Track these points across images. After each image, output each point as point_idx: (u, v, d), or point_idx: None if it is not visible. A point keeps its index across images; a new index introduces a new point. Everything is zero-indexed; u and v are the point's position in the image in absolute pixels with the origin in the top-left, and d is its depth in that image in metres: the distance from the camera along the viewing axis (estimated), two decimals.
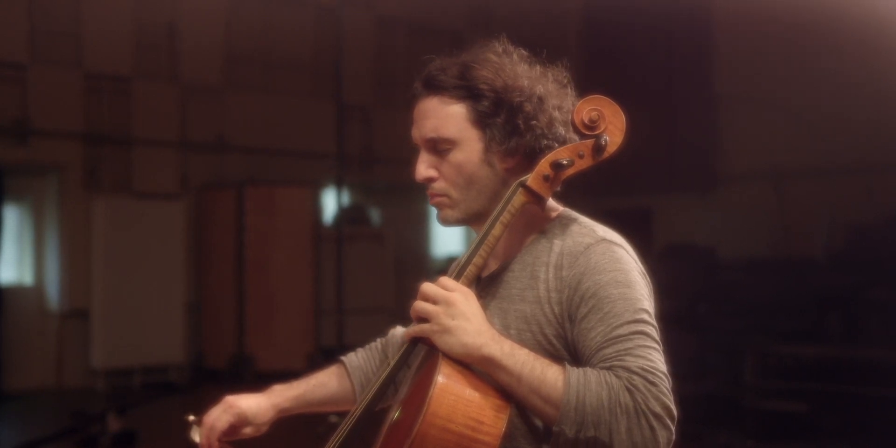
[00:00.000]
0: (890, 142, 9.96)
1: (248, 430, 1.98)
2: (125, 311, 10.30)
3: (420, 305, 1.69)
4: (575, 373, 1.57)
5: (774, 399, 7.76)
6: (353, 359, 2.15)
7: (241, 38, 11.78)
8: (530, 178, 1.75)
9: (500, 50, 1.86)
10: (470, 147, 1.80)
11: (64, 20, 10.47)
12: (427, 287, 1.70)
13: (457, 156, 1.81)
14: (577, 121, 1.74)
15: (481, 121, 1.79)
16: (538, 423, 1.70)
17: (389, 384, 1.80)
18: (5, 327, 10.01)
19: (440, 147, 1.81)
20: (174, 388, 10.30)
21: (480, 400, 1.59)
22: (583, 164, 1.76)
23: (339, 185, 9.54)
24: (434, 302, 1.67)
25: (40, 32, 10.35)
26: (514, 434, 1.70)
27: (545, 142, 1.79)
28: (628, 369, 1.57)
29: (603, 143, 1.74)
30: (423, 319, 1.69)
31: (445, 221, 1.86)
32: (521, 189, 1.75)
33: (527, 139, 1.78)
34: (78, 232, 10.40)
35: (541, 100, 1.80)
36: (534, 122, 1.78)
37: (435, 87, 1.82)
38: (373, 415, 1.79)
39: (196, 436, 1.96)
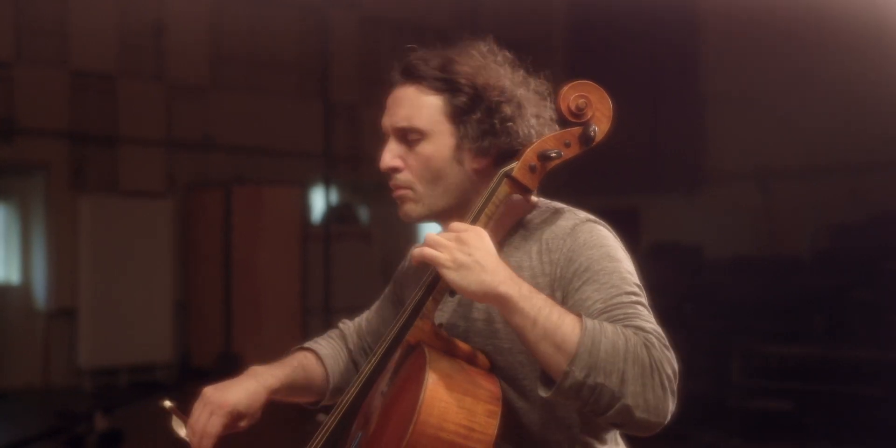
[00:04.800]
0: (875, 142, 10.00)
1: (243, 423, 1.82)
2: (112, 310, 10.26)
3: (433, 238, 1.57)
4: (590, 320, 1.51)
5: (759, 398, 7.80)
6: (320, 347, 2.06)
7: (227, 36, 11.75)
8: (516, 169, 1.67)
9: (486, 49, 1.79)
10: (441, 141, 1.74)
11: (50, 18, 10.42)
12: (432, 235, 1.58)
13: (426, 148, 1.74)
14: (563, 108, 1.67)
15: (457, 116, 1.72)
16: (522, 421, 1.70)
17: (374, 380, 1.74)
18: None
19: (410, 137, 1.74)
20: (161, 387, 10.26)
21: (471, 405, 1.54)
22: (569, 153, 1.69)
23: (326, 183, 9.55)
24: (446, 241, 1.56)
25: (26, 30, 10.31)
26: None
27: (519, 148, 1.71)
28: (642, 329, 1.54)
29: (592, 133, 1.67)
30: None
31: (407, 217, 1.80)
32: (505, 179, 1.68)
33: (501, 140, 1.71)
34: (64, 231, 10.35)
35: (520, 105, 1.73)
36: (510, 124, 1.71)
37: (413, 76, 1.75)
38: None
39: (181, 431, 1.79)
